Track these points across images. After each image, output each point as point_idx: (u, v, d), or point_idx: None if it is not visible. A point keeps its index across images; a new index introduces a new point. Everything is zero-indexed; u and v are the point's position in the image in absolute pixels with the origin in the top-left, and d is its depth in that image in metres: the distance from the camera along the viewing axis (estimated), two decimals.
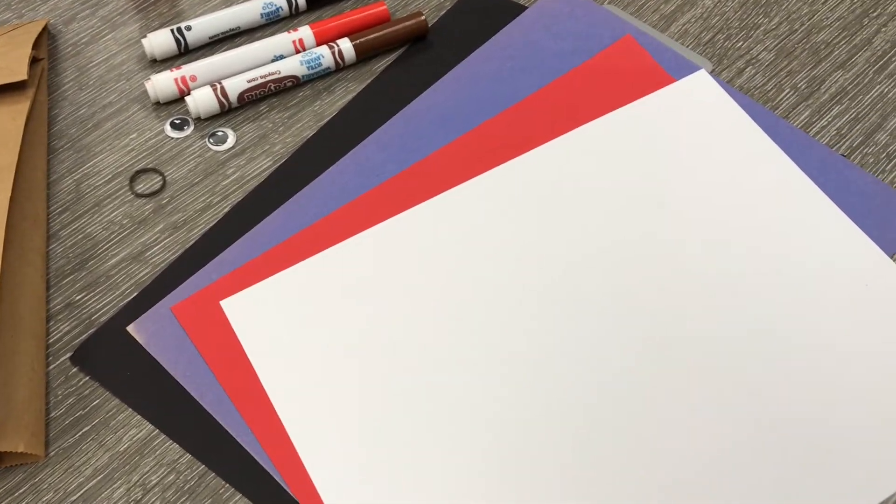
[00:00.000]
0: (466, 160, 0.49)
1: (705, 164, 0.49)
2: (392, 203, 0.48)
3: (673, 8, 0.57)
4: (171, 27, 0.54)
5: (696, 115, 0.51)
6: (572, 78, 0.52)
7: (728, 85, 0.53)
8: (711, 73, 0.53)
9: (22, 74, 0.49)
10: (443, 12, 0.57)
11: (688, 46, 0.55)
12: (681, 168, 0.49)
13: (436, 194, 0.48)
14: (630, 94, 0.52)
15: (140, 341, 0.43)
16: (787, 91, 0.53)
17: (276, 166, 0.50)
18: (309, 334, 0.43)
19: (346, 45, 0.53)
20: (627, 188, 0.48)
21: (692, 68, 0.53)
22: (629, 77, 0.52)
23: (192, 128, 0.51)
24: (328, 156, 0.50)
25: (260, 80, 0.51)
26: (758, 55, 0.55)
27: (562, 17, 0.55)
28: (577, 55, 0.53)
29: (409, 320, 0.44)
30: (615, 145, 0.50)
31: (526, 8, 0.57)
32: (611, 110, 0.51)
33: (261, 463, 0.40)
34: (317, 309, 0.44)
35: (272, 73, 0.52)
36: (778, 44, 0.55)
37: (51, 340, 0.43)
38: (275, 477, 0.39)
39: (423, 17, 0.55)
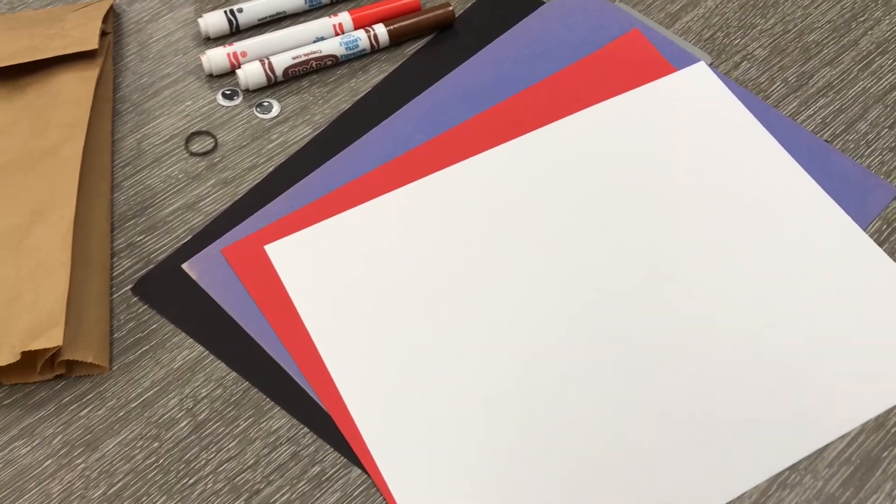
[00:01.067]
0: (486, 133, 0.55)
1: (702, 145, 0.54)
2: (419, 167, 0.53)
3: (678, 7, 0.63)
4: (225, 9, 0.60)
5: (694, 102, 0.56)
6: (583, 65, 0.58)
7: (725, 76, 0.58)
8: (710, 65, 0.59)
9: (93, 44, 0.55)
10: (469, 4, 0.63)
11: (690, 42, 0.61)
12: (679, 148, 0.54)
13: (457, 161, 0.54)
14: (636, 81, 0.57)
15: (193, 277, 0.49)
16: (778, 84, 0.59)
17: (315, 134, 0.55)
18: (343, 278, 0.49)
19: (380, 29, 0.59)
20: (629, 165, 0.54)
21: (693, 60, 0.58)
22: (635, 66, 0.58)
23: (241, 98, 0.57)
24: (362, 126, 0.56)
25: (303, 58, 0.57)
26: (753, 51, 0.60)
27: (575, 12, 0.61)
28: (589, 46, 0.59)
29: (437, 270, 0.49)
30: (620, 125, 0.55)
31: (543, 3, 0.62)
32: (617, 94, 0.57)
33: (297, 381, 0.45)
34: (351, 256, 0.50)
35: (314, 52, 0.58)
36: (772, 42, 0.61)
37: (114, 274, 0.49)
38: (309, 393, 0.45)
39: (450, 7, 0.60)
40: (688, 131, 0.55)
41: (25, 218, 0.48)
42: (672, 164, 0.54)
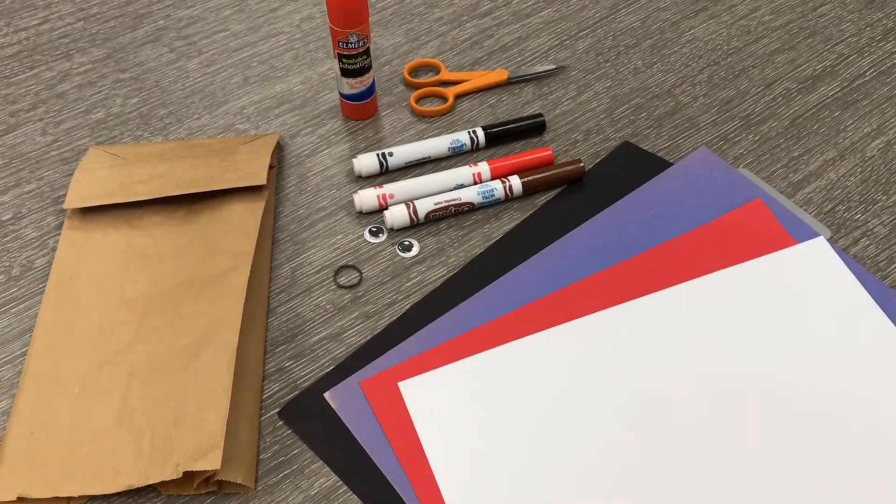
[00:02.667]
0: (608, 290, 0.59)
1: (817, 322, 0.57)
2: (543, 318, 0.57)
3: (800, 177, 0.65)
4: (377, 152, 0.66)
5: (812, 277, 0.59)
6: (706, 231, 0.61)
7: (844, 252, 0.60)
8: (829, 240, 0.61)
9: (262, 179, 0.62)
10: (598, 160, 0.67)
11: (810, 213, 0.63)
12: (793, 323, 0.57)
13: (579, 316, 0.57)
14: (755, 250, 0.60)
15: (333, 407, 0.54)
16: None
17: (449, 275, 0.60)
18: (469, 419, 0.53)
19: (515, 181, 0.64)
20: (744, 334, 0.56)
21: (812, 233, 0.61)
22: (756, 236, 0.61)
23: (385, 236, 0.63)
24: (493, 271, 0.60)
25: (444, 204, 0.63)
26: (873, 228, 0.62)
27: (701, 177, 0.65)
28: (712, 211, 0.63)
29: (557, 418, 0.53)
30: (737, 295, 0.58)
31: (671, 164, 0.66)
32: (736, 263, 0.60)
33: None
34: (477, 398, 0.54)
35: (454, 199, 0.63)
36: (893, 219, 0.63)
37: (264, 396, 0.54)
38: None
39: (581, 164, 0.65)
40: (803, 307, 0.57)
41: (195, 340, 0.54)
42: (785, 338, 0.56)
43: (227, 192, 0.63)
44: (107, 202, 0.62)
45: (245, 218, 0.61)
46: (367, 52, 0.66)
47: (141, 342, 0.55)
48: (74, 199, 0.62)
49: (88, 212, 0.63)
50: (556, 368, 0.55)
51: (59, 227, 0.64)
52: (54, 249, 0.62)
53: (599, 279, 0.59)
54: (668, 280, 0.59)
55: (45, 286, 0.60)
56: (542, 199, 0.65)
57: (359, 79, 0.68)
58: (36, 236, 0.63)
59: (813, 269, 0.59)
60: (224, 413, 0.50)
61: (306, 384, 0.55)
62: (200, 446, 0.49)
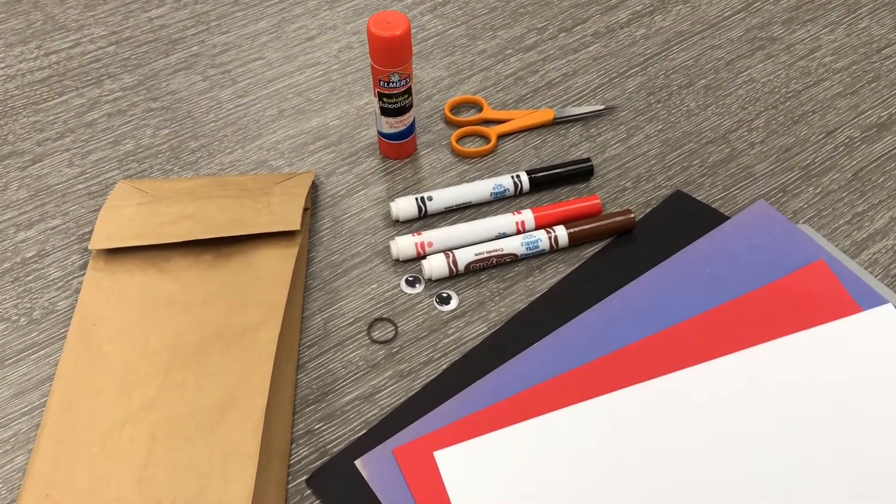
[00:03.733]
0: (660, 356, 0.55)
1: (884, 397, 0.53)
2: (589, 385, 0.54)
3: (865, 236, 0.61)
4: (416, 196, 0.63)
5: (879, 348, 0.55)
6: (764, 293, 0.58)
7: None
8: None
9: (296, 225, 0.59)
10: (649, 209, 0.64)
11: (876, 276, 0.59)
12: (858, 398, 0.53)
13: (628, 384, 0.54)
14: (818, 316, 0.56)
15: (364, 475, 0.51)
16: None
17: (489, 332, 0.57)
18: (509, 494, 0.50)
19: (561, 231, 0.61)
20: (802, 409, 0.52)
21: (879, 299, 0.57)
22: (818, 300, 0.57)
23: (423, 286, 0.60)
24: (536, 329, 0.57)
25: (485, 255, 0.60)
26: None
27: (760, 233, 0.61)
28: (771, 271, 0.59)
29: (603, 497, 0.49)
30: (796, 366, 0.54)
31: (727, 218, 0.63)
32: (796, 330, 0.56)
33: None
34: (516, 471, 0.50)
35: (496, 250, 0.60)
36: None
37: (291, 461, 0.51)
38: None
39: (632, 215, 0.62)
40: (870, 381, 0.53)
41: (221, 401, 0.51)
42: (850, 414, 0.52)
43: (260, 236, 0.60)
44: (134, 244, 0.59)
45: (277, 266, 0.58)
46: (408, 91, 0.63)
47: (165, 399, 0.52)
48: (100, 240, 0.60)
49: (114, 252, 0.60)
50: (603, 440, 0.52)
51: (84, 266, 0.61)
52: (78, 291, 0.60)
53: (650, 344, 0.56)
54: (723, 347, 0.55)
55: (66, 331, 0.58)
56: (588, 251, 0.62)
57: (399, 118, 0.65)
58: (59, 276, 0.61)
59: (881, 338, 0.55)
60: (250, 486, 0.47)
61: (336, 449, 0.52)
62: None
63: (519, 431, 0.52)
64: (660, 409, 0.53)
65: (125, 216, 0.61)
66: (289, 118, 0.71)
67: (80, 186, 0.67)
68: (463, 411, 0.53)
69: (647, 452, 0.51)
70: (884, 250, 0.61)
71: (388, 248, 0.62)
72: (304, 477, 0.51)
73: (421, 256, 0.61)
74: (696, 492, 0.49)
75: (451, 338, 0.57)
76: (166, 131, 0.71)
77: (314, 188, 0.66)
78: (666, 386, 0.54)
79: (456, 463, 0.51)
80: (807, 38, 0.77)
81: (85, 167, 0.68)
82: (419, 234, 0.61)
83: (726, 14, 0.79)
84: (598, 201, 0.63)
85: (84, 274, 0.60)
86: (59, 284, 0.61)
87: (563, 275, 0.60)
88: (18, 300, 0.59)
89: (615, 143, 0.69)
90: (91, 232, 0.63)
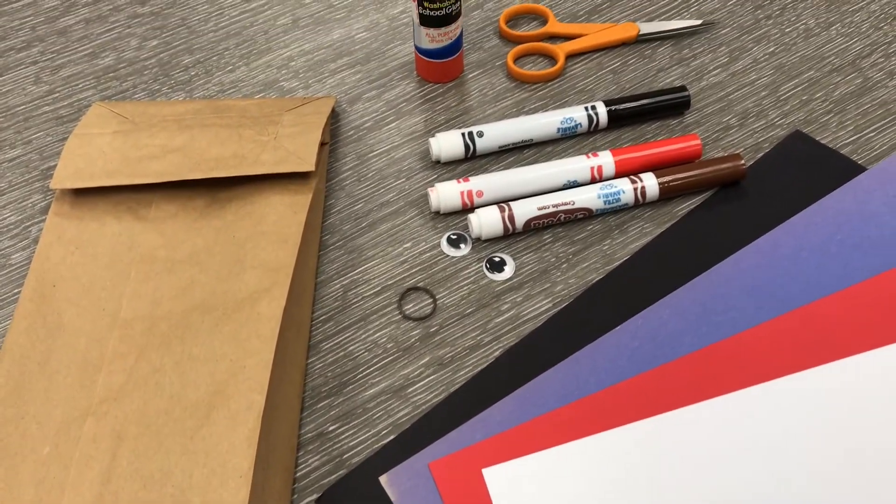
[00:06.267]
0: (776, 349, 0.42)
1: None
2: (684, 387, 0.41)
3: None
4: (462, 130, 0.50)
5: None
6: None
7: None
8: None
9: (310, 165, 0.46)
10: (760, 154, 0.50)
11: None
12: None
13: (736, 388, 0.41)
14: None
15: (391, 497, 0.39)
16: None
17: (555, 310, 0.45)
18: None
19: (650, 182, 0.47)
20: None
21: None
22: None
23: (469, 247, 0.47)
24: (615, 310, 0.44)
25: (551, 209, 0.47)
26: None
27: None
28: None
29: None
30: None
31: (861, 168, 0.49)
32: None
33: None
34: (581, 496, 0.39)
35: (565, 203, 0.47)
36: None
37: (298, 474, 0.40)
38: None
39: (741, 162, 0.48)
40: None
41: (207, 394, 0.39)
42: None
43: (264, 178, 0.48)
44: (106, 183, 0.47)
45: (285, 217, 0.45)
46: None
47: (136, 388, 0.40)
48: (65, 177, 0.47)
49: (83, 193, 0.48)
50: (701, 461, 0.39)
51: (46, 210, 0.49)
52: (37, 241, 0.48)
53: (764, 332, 0.43)
54: (856, 342, 0.42)
55: (19, 292, 0.46)
56: (682, 208, 0.48)
57: (443, 30, 0.51)
58: (15, 221, 0.49)
59: None
60: None
61: (356, 460, 0.40)
62: None
63: (588, 446, 0.40)
64: (767, 420, 0.40)
65: (97, 148, 0.49)
66: (305, 29, 0.58)
67: (46, 109, 0.54)
68: (520, 415, 0.41)
69: (748, 474, 0.39)
70: None
71: (425, 197, 0.49)
72: (314, 496, 0.39)
73: (468, 209, 0.48)
74: None
75: (505, 316, 0.45)
76: (155, 42, 0.57)
77: (334, 118, 0.53)
78: (787, 386, 0.41)
79: (511, 484, 0.39)
80: None
81: (54, 85, 0.55)
82: (466, 179, 0.48)
83: None
84: (699, 143, 0.49)
85: (45, 220, 0.49)
86: (15, 232, 0.49)
87: (651, 237, 0.47)
88: None
89: (715, 69, 0.54)
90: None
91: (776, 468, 0.39)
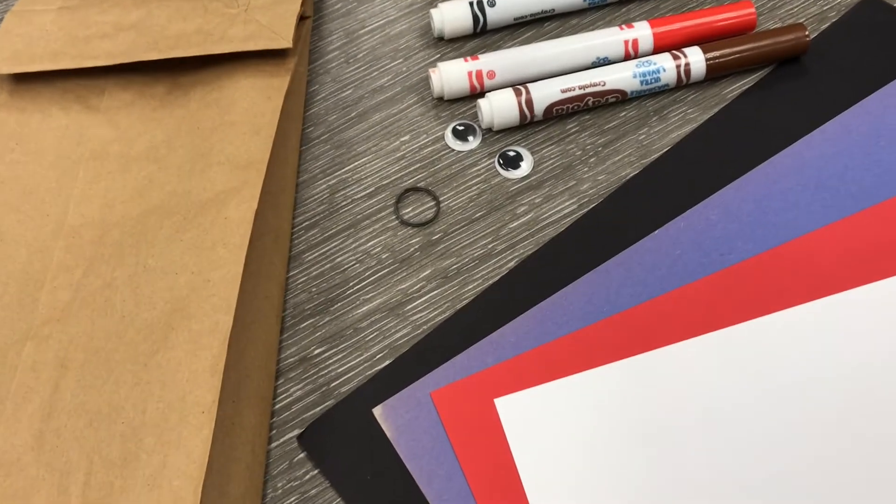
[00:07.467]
0: (849, 254, 0.35)
1: None
2: (736, 301, 0.35)
3: None
4: (471, 0, 0.42)
5: None
6: None
7: None
8: None
9: (287, 41, 0.39)
10: (826, 25, 0.42)
11: None
12: None
13: (802, 301, 0.35)
14: None
15: (386, 431, 0.33)
16: None
17: (581, 212, 0.38)
18: (596, 454, 0.32)
19: (696, 57, 0.40)
20: None
21: None
22: None
23: (478, 139, 0.40)
24: (653, 210, 0.37)
25: (578, 92, 0.39)
26: None
27: None
28: None
29: (688, 457, 0.31)
30: None
31: None
32: None
33: None
34: (599, 425, 0.33)
35: (595, 84, 0.39)
36: None
37: (277, 406, 0.34)
38: None
39: (804, 33, 0.40)
40: None
41: (164, 313, 0.33)
42: None
43: (233, 58, 0.40)
44: (50, 67, 0.39)
45: (257, 104, 0.38)
46: None
47: (83, 307, 0.34)
48: (1, 60, 0.40)
49: (23, 79, 0.41)
50: (725, 386, 0.33)
51: None
52: None
53: (826, 238, 0.36)
54: None
55: None
56: (732, 89, 0.41)
57: None
58: None
59: None
60: (203, 455, 0.30)
61: (345, 389, 0.34)
62: None
63: (629, 370, 0.34)
64: (795, 347, 0.34)
65: (39, 26, 0.41)
66: None
67: None
68: (539, 336, 0.35)
69: (764, 403, 0.32)
70: None
71: (426, 80, 0.42)
72: (296, 432, 0.33)
73: (477, 93, 0.40)
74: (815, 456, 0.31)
75: (522, 220, 0.38)
76: None
77: None
78: (867, 297, 0.34)
79: (527, 416, 0.33)
80: None
81: None
82: (475, 58, 0.40)
83: None
84: (753, 10, 0.41)
85: None
86: None
87: (696, 124, 0.40)
88: None
89: None
90: None
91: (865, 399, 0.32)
